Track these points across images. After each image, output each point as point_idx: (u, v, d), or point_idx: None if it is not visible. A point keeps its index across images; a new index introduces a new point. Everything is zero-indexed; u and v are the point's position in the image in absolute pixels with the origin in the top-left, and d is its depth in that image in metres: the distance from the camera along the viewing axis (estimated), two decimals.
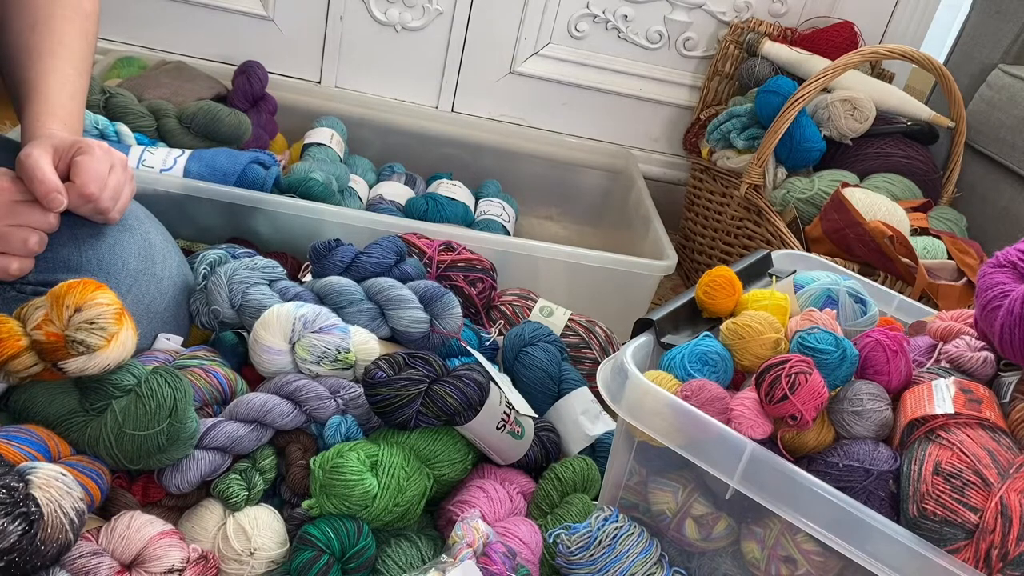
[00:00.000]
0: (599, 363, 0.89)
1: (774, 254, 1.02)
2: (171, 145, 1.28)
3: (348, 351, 0.89)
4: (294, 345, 0.88)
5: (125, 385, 0.75)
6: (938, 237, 1.27)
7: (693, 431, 0.71)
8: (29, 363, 0.70)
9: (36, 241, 0.78)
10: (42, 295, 0.72)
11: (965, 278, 1.18)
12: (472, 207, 1.49)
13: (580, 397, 1.01)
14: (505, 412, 0.87)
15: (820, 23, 1.65)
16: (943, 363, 0.79)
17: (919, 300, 1.09)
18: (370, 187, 1.48)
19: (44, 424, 0.73)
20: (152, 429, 0.72)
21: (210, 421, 0.80)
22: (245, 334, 0.93)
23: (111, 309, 0.70)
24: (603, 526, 0.79)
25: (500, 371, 1.03)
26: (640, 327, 0.85)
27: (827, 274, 0.92)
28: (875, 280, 1.11)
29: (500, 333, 1.09)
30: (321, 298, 0.97)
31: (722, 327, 0.82)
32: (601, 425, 0.99)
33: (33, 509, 0.60)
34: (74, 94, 0.87)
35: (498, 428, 0.86)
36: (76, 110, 0.87)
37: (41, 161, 0.76)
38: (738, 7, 1.66)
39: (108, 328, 0.70)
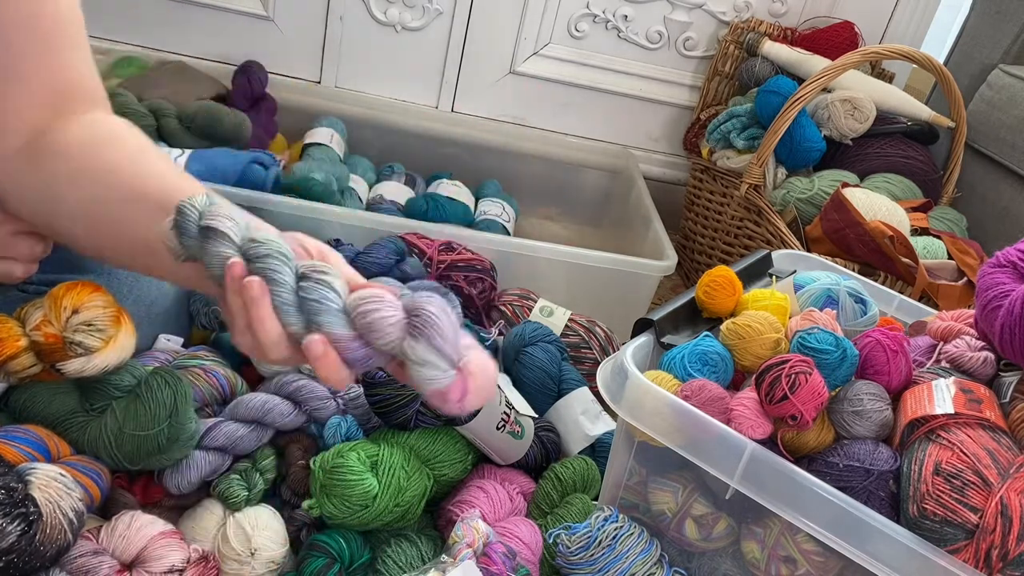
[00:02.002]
0: (599, 363, 0.89)
1: (774, 254, 1.02)
2: (171, 145, 1.28)
3: None
4: None
5: (125, 385, 0.75)
6: (938, 237, 1.27)
7: (693, 431, 0.71)
8: (28, 363, 0.70)
9: (42, 248, 0.77)
10: (44, 294, 0.72)
11: (965, 278, 1.18)
12: (472, 207, 1.49)
13: (580, 397, 1.01)
14: (505, 412, 0.87)
15: (820, 23, 1.65)
16: (943, 363, 0.79)
17: (919, 300, 1.09)
18: (370, 187, 1.48)
19: (44, 424, 0.73)
20: (152, 430, 0.72)
21: (210, 421, 0.80)
22: None
23: (108, 311, 0.70)
24: (603, 526, 0.79)
25: (500, 371, 1.03)
26: (640, 327, 0.85)
27: (827, 274, 0.92)
28: (875, 280, 1.11)
29: (500, 333, 1.09)
30: None
31: (722, 327, 0.82)
32: (601, 425, 0.99)
33: (32, 510, 0.60)
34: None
35: (498, 428, 0.86)
36: None
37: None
38: (738, 7, 1.66)
39: (106, 330, 0.70)
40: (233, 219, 0.58)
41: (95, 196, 0.66)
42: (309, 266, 0.57)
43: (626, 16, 1.65)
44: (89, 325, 0.69)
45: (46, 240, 0.77)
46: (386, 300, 0.56)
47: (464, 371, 0.55)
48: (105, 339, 0.70)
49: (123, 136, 0.70)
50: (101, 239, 0.67)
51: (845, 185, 1.31)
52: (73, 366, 0.70)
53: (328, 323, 0.55)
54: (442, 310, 0.55)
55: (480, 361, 0.56)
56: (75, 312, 0.69)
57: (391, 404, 0.81)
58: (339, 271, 0.58)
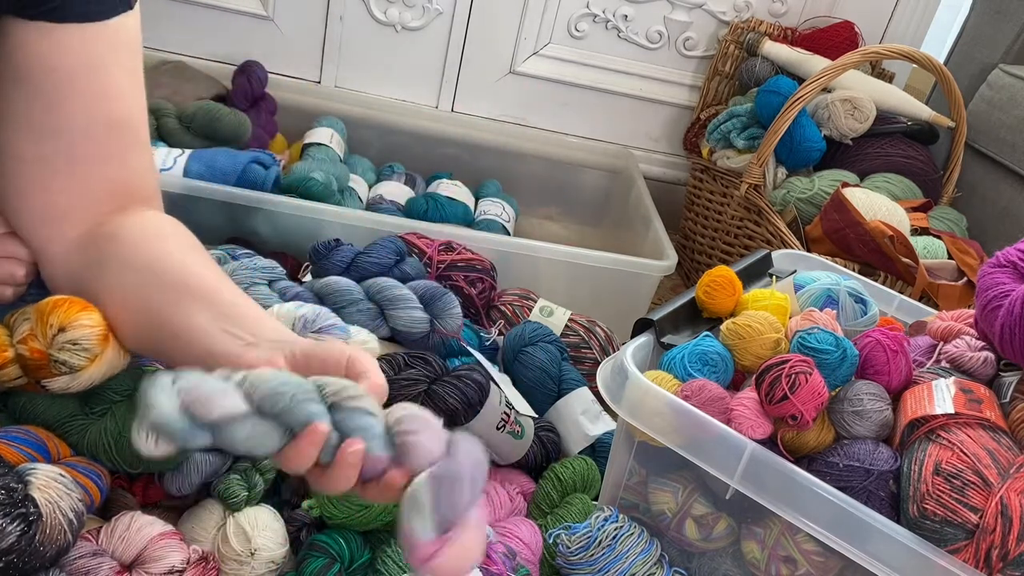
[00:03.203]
0: (599, 363, 0.89)
1: (774, 254, 1.02)
2: (171, 145, 1.28)
3: None
4: None
5: (125, 390, 0.74)
6: (938, 237, 1.27)
7: (693, 431, 0.71)
8: (14, 375, 0.69)
9: None
10: (41, 298, 0.71)
11: (965, 278, 1.18)
12: (472, 207, 1.49)
13: (580, 397, 1.01)
14: (505, 412, 0.87)
15: (820, 23, 1.65)
16: (943, 363, 0.79)
17: (919, 300, 1.09)
18: (370, 187, 1.48)
19: (43, 427, 0.72)
20: None
21: None
22: None
23: (96, 330, 0.68)
24: (603, 526, 0.79)
25: (500, 371, 1.03)
26: (640, 327, 0.85)
27: (827, 274, 0.92)
28: (875, 280, 1.11)
29: (500, 333, 1.09)
30: (321, 298, 0.97)
31: (722, 327, 0.82)
32: (601, 425, 0.99)
33: (32, 510, 0.59)
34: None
35: (498, 428, 0.86)
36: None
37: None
38: (738, 7, 1.66)
39: (91, 349, 0.68)
40: (249, 434, 0.53)
41: (138, 286, 0.68)
42: (335, 394, 0.55)
43: (626, 16, 1.65)
44: (75, 344, 0.67)
45: None
46: (429, 423, 0.55)
47: (446, 541, 0.51)
48: (90, 357, 0.68)
49: (170, 233, 0.73)
50: (140, 328, 0.69)
51: (845, 185, 1.31)
52: (58, 384, 0.69)
53: (373, 447, 0.54)
54: (472, 468, 0.54)
55: (467, 542, 0.53)
56: (61, 330, 0.67)
57: (389, 404, 0.81)
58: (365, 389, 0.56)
